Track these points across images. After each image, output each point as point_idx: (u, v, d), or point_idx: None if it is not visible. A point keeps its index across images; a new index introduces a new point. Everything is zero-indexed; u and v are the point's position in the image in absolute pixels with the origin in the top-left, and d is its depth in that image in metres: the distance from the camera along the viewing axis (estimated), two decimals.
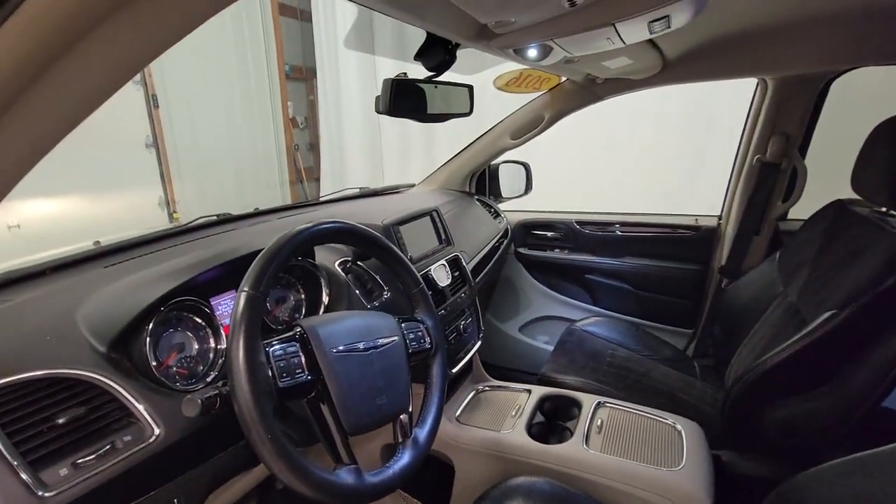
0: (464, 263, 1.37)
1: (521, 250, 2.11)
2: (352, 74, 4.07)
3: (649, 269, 1.87)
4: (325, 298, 0.98)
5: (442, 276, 1.22)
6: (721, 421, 1.23)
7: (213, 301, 0.84)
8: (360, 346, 0.72)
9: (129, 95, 3.35)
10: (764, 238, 1.65)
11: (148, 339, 0.71)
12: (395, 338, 0.78)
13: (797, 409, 1.07)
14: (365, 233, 0.82)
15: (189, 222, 1.18)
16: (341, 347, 0.70)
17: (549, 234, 2.06)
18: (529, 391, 1.31)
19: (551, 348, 1.64)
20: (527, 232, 2.10)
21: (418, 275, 0.90)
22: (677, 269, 1.83)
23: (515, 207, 2.14)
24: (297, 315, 0.97)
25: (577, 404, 1.23)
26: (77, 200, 3.13)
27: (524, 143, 1.78)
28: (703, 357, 1.72)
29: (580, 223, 1.99)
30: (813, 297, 1.13)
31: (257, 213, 1.34)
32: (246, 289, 0.64)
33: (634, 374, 1.47)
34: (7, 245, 2.80)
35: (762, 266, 1.50)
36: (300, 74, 4.63)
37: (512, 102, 1.81)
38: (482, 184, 2.03)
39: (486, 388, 1.38)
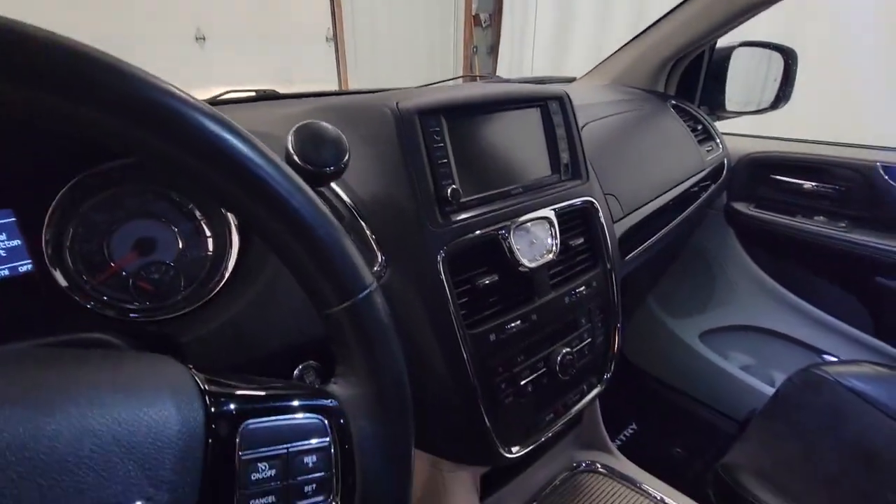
0: (601, 221, 0.66)
1: (740, 206, 1.21)
2: None
3: None
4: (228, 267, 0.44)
5: (539, 241, 0.56)
6: None
7: None
8: None
9: None
10: None
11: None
12: None
13: None
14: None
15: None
16: None
17: (807, 183, 1.10)
18: None
19: (755, 383, 0.86)
20: (759, 175, 1.18)
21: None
22: None
23: (747, 129, 1.23)
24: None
25: None
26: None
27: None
28: None
29: (888, 168, 0.99)
30: None
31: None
32: None
33: None
34: None
35: None
36: None
37: None
38: (690, 82, 1.17)
39: (601, 470, 0.72)
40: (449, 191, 0.49)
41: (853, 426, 0.79)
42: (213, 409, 0.23)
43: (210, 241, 0.43)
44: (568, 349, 0.57)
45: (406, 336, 0.50)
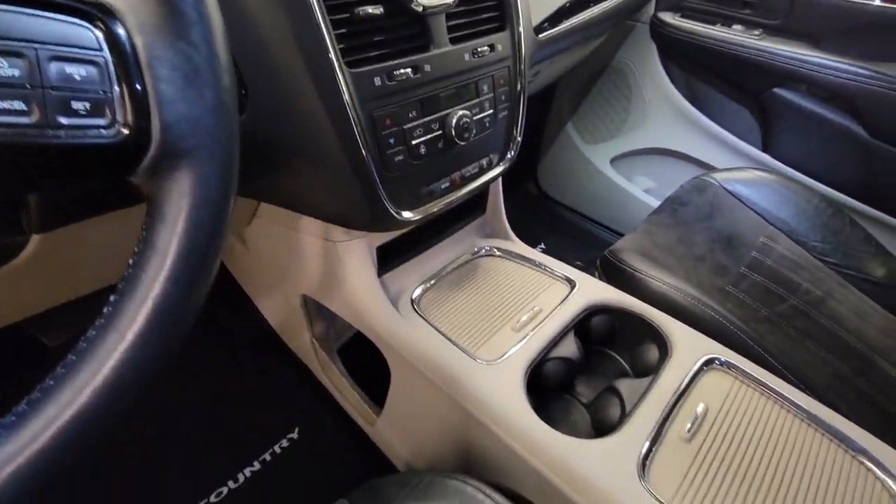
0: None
1: (666, 16, 1.16)
2: None
3: None
4: None
5: None
6: None
7: None
8: None
9: None
10: None
11: None
12: None
13: None
14: None
15: None
16: None
17: None
18: (573, 285, 0.67)
19: (657, 204, 0.92)
20: None
21: None
22: None
23: None
24: None
25: (665, 345, 0.58)
26: None
27: None
28: None
29: None
30: None
31: None
32: None
33: (798, 297, 0.75)
34: None
35: None
36: None
37: None
38: None
39: (497, 254, 0.75)
40: None
41: (725, 218, 0.87)
42: None
43: None
44: (466, 112, 0.53)
45: (277, 75, 0.43)
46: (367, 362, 0.71)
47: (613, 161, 1.37)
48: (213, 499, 0.79)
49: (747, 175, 0.96)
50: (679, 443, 0.47)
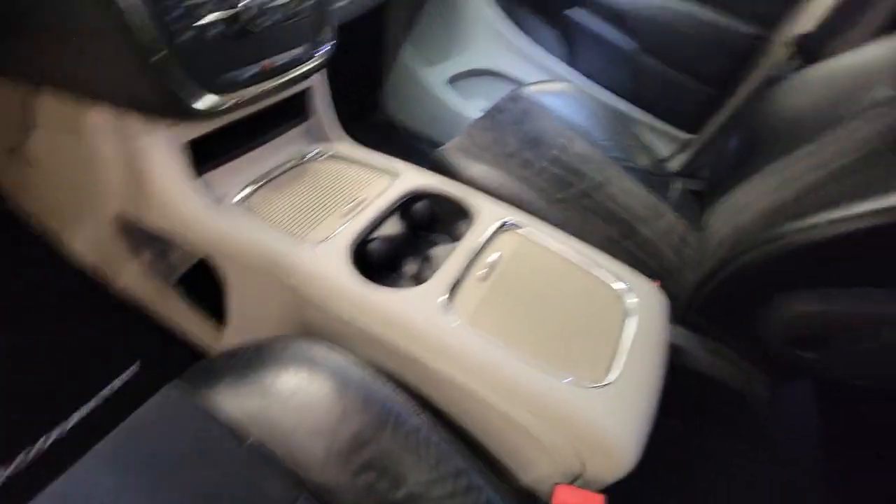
0: None
1: None
2: None
3: (670, 18, 1.12)
4: None
5: None
6: (689, 291, 0.75)
7: None
8: None
9: None
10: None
11: None
12: None
13: (834, 308, 0.58)
14: None
15: None
16: None
17: None
18: (396, 175, 0.73)
19: None
20: None
21: None
22: (716, 29, 1.09)
23: None
24: None
25: (467, 215, 0.68)
26: None
27: None
28: (693, 178, 1.17)
29: None
30: None
31: None
32: None
33: (585, 183, 0.91)
34: None
35: (865, 50, 0.83)
36: None
37: None
38: None
39: (326, 156, 0.77)
40: None
41: (533, 123, 1.00)
42: None
43: None
44: None
45: None
46: (213, 293, 0.69)
47: (452, 81, 1.44)
48: (42, 444, 0.73)
49: (552, 87, 1.10)
50: (476, 282, 0.57)
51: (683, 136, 1.23)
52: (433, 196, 0.71)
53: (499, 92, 1.40)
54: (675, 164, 1.19)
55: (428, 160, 0.85)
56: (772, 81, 0.98)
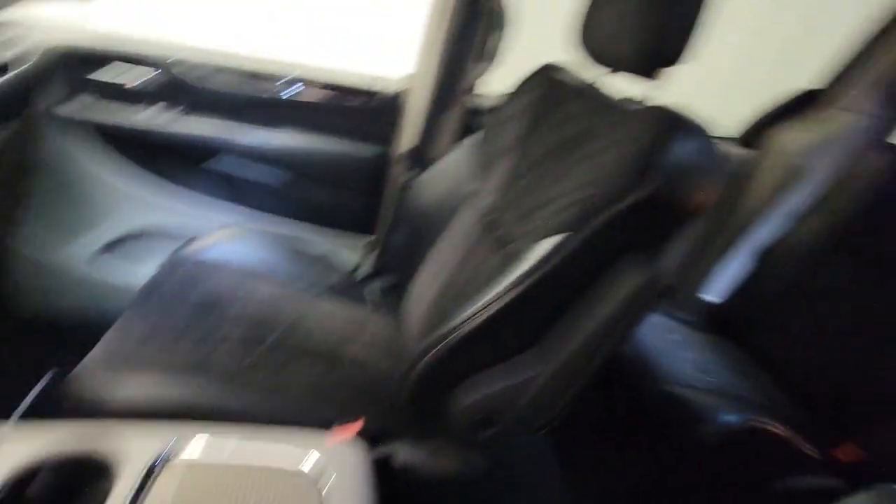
0: None
1: (70, 110, 1.11)
2: None
3: (311, 150, 1.24)
4: None
5: None
6: (398, 399, 0.79)
7: None
8: None
9: None
10: (457, 113, 1.23)
11: None
12: None
13: (498, 388, 0.69)
14: None
15: None
16: None
17: (132, 80, 1.12)
18: None
19: None
20: (80, 71, 1.10)
21: None
22: (348, 155, 1.26)
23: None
24: None
25: (106, 471, 0.54)
26: None
27: None
28: (387, 273, 1.29)
29: (186, 68, 1.13)
30: (520, 208, 0.74)
31: None
32: None
33: (279, 329, 0.88)
34: None
35: (453, 154, 1.08)
36: None
37: None
38: None
39: None
40: None
41: (203, 285, 0.92)
42: None
43: None
44: None
45: None
46: None
47: (107, 251, 1.23)
48: None
49: (221, 236, 1.06)
50: None
51: (366, 238, 1.35)
52: (52, 464, 0.54)
53: (159, 251, 1.27)
54: (366, 268, 1.30)
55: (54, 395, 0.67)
56: (405, 187, 1.17)
